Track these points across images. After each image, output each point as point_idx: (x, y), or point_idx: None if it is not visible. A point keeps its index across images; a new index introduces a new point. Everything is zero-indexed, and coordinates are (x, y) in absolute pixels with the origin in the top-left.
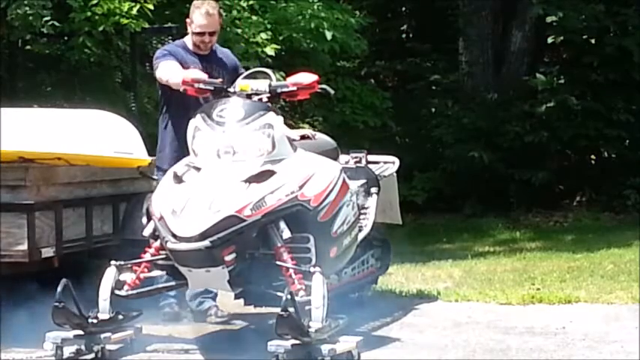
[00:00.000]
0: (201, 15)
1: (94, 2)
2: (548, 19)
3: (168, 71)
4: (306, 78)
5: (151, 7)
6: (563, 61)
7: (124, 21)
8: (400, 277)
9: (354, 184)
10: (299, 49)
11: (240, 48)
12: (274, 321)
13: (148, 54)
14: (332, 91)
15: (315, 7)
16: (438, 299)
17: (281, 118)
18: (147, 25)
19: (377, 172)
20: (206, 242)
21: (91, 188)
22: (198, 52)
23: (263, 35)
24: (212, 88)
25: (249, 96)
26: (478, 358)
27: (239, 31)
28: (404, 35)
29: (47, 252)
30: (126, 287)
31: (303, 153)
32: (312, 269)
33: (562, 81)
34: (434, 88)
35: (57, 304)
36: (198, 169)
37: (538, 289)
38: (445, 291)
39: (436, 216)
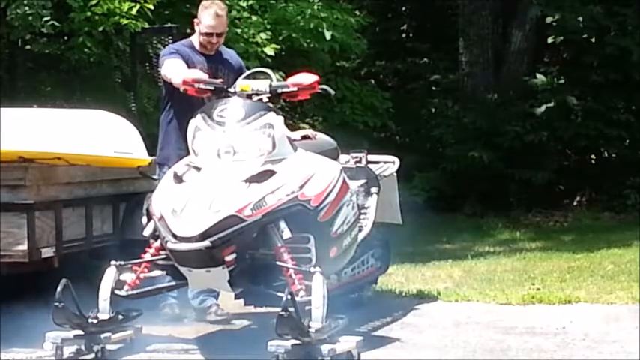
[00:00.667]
0: (210, 16)
1: (94, 2)
2: (548, 19)
3: (172, 70)
4: (306, 78)
5: (151, 7)
6: (563, 61)
7: (124, 21)
8: (400, 277)
9: (355, 184)
10: (299, 49)
11: (240, 48)
12: (274, 321)
13: (148, 54)
14: (332, 92)
15: (315, 7)
16: (438, 299)
17: (281, 118)
18: (147, 25)
19: (377, 172)
20: (206, 242)
21: (91, 188)
22: (204, 52)
23: (263, 35)
24: (212, 88)
25: (249, 96)
26: (478, 358)
27: (239, 31)
28: (404, 35)
29: (47, 252)
30: (126, 287)
31: (303, 153)
32: (312, 269)
33: (562, 81)
34: (434, 88)
35: (57, 304)
36: (198, 169)
37: (538, 289)
38: (445, 291)
39: (436, 216)
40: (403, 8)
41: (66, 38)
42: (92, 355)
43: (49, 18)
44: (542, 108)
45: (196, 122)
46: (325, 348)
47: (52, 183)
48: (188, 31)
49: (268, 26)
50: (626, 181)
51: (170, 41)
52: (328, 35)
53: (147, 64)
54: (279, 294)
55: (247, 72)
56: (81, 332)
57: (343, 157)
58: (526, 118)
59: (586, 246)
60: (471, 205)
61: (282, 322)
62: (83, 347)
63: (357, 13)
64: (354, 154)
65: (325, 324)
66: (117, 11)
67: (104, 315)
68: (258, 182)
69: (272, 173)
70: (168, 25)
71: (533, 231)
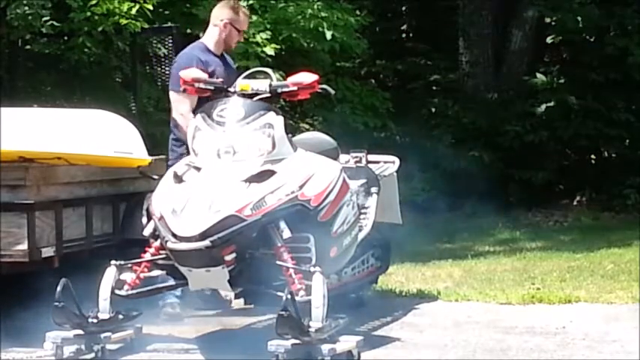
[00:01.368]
0: (245, 15)
1: (94, 2)
2: (548, 19)
3: (181, 111)
4: (306, 78)
5: (150, 7)
6: (563, 61)
7: (124, 21)
8: (400, 277)
9: (355, 184)
10: (299, 49)
11: (240, 47)
12: (274, 321)
13: (148, 54)
14: (332, 91)
15: (315, 6)
16: (438, 299)
17: (281, 118)
18: (146, 25)
19: (377, 172)
20: (206, 242)
21: (91, 188)
22: (215, 53)
23: (263, 35)
24: (212, 88)
25: (249, 96)
26: (478, 357)
27: None
28: (404, 35)
29: (47, 252)
30: (126, 287)
31: (303, 153)
32: (312, 269)
33: (562, 81)
34: (434, 88)
35: (57, 303)
36: (198, 168)
37: (538, 288)
38: (445, 291)
39: (436, 216)
40: (403, 8)
41: (66, 38)
42: (92, 355)
43: (48, 18)
44: (542, 108)
45: (196, 122)
46: (325, 348)
47: (52, 183)
48: (188, 31)
49: (268, 26)
50: (626, 181)
51: (170, 41)
52: (329, 35)
53: (147, 64)
54: (280, 294)
55: (247, 72)
56: (81, 332)
57: (343, 157)
58: (526, 117)
59: (586, 246)
60: (471, 205)
61: (282, 321)
62: (83, 347)
63: (357, 12)
64: (354, 154)
65: (325, 324)
66: (116, 11)
67: (104, 315)
68: (258, 182)
69: (272, 173)
70: (169, 25)
71: (533, 231)
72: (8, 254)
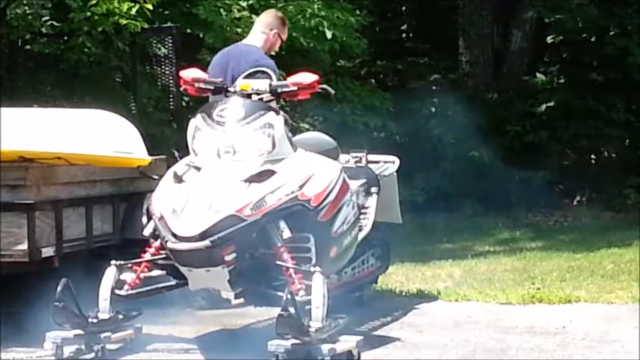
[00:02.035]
0: (286, 26)
1: (93, 2)
2: (547, 20)
3: None
4: (306, 78)
5: (150, 7)
6: (563, 60)
7: (124, 21)
8: (400, 276)
9: (355, 184)
10: (299, 49)
11: None
12: (274, 321)
13: (147, 54)
14: (332, 91)
15: (315, 6)
16: (438, 299)
17: (281, 118)
18: (146, 25)
19: (377, 172)
20: (206, 242)
21: (91, 188)
22: None
23: None
24: (212, 88)
25: (249, 95)
26: (478, 357)
27: (239, 30)
28: (404, 35)
29: (47, 252)
30: (126, 287)
31: (303, 153)
32: (312, 269)
33: (562, 81)
34: (434, 87)
35: (57, 303)
36: (198, 168)
37: (538, 288)
38: (445, 291)
39: (436, 216)
40: (403, 8)
41: (66, 38)
42: (92, 355)
43: (48, 18)
44: (542, 108)
45: (196, 122)
46: (325, 347)
47: (52, 183)
48: (188, 30)
49: None
50: (626, 181)
51: (170, 41)
52: (329, 34)
53: (147, 64)
54: (280, 294)
55: (247, 72)
56: (81, 332)
57: (343, 157)
58: (526, 117)
59: (586, 246)
60: (471, 204)
61: (282, 321)
62: (83, 347)
63: (357, 12)
64: (354, 154)
65: (325, 323)
66: (116, 11)
67: (104, 315)
68: (258, 182)
69: (272, 173)
70: (168, 25)
71: (533, 231)
72: (8, 254)
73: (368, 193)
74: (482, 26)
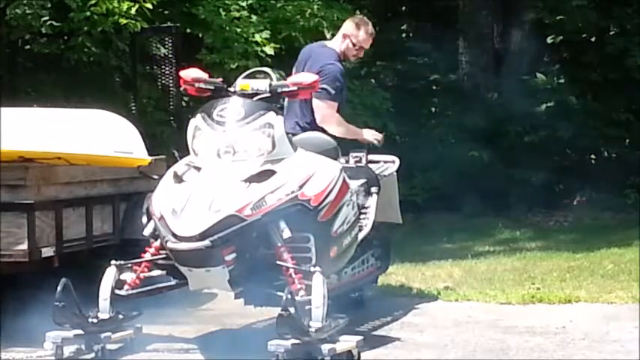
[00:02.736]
0: (367, 34)
1: (93, 2)
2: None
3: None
4: (306, 78)
5: (150, 6)
6: (563, 60)
7: (123, 21)
8: (400, 276)
9: (354, 184)
10: (298, 49)
11: (240, 47)
12: (274, 321)
13: (147, 54)
14: (332, 91)
15: (315, 6)
16: (438, 299)
17: (281, 118)
18: (146, 25)
19: (377, 172)
20: (206, 242)
21: (91, 188)
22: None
23: (262, 34)
24: (212, 88)
25: (249, 95)
26: (478, 357)
27: (238, 30)
28: (404, 35)
29: (47, 252)
30: (126, 287)
31: (303, 153)
32: (312, 269)
33: (562, 81)
34: (434, 87)
35: (57, 303)
36: (198, 168)
37: (538, 288)
38: (445, 291)
39: (436, 216)
40: (403, 8)
41: (65, 38)
42: (92, 355)
43: (48, 18)
44: (542, 108)
45: (196, 122)
46: (325, 347)
47: (52, 183)
48: (188, 30)
49: (268, 25)
50: (626, 181)
51: (170, 41)
52: (328, 35)
53: (147, 64)
54: (280, 294)
55: (247, 72)
56: (81, 332)
57: (343, 157)
58: (526, 117)
59: (586, 246)
60: (471, 205)
61: (282, 321)
62: (83, 347)
63: (357, 12)
64: (354, 154)
65: (325, 323)
66: (116, 11)
67: (104, 315)
68: (258, 182)
69: (272, 173)
70: (168, 25)
71: (533, 231)
72: (8, 254)
73: (368, 193)
74: (482, 26)
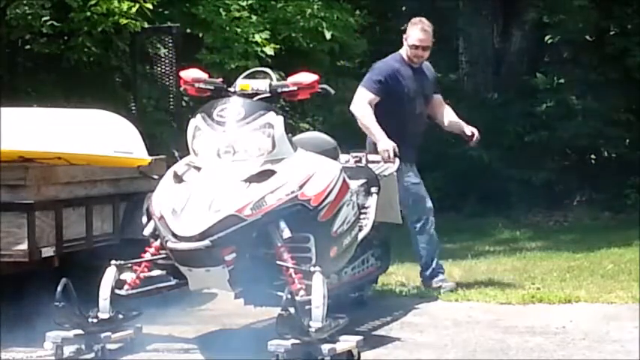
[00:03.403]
0: (419, 30)
1: (93, 2)
2: (547, 20)
3: (358, 101)
4: (306, 78)
5: (150, 6)
6: (563, 60)
7: (124, 21)
8: (400, 276)
9: (355, 184)
10: (298, 49)
11: (240, 47)
12: (274, 321)
13: (148, 54)
14: (332, 91)
15: (315, 6)
16: (438, 299)
17: (281, 118)
18: (146, 25)
19: (377, 172)
20: (206, 242)
21: (91, 188)
22: (411, 65)
23: (262, 35)
24: (212, 88)
25: (249, 95)
26: (478, 357)
27: (238, 30)
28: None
29: (47, 251)
30: (126, 287)
31: (303, 152)
32: (312, 269)
33: (562, 80)
34: None
35: (57, 303)
36: (198, 168)
37: (538, 288)
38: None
39: (436, 216)
40: (403, 8)
41: (66, 38)
42: (92, 355)
43: (48, 18)
44: (543, 108)
45: (196, 122)
46: (325, 347)
47: (52, 183)
48: (188, 30)
49: (268, 25)
50: (626, 181)
51: (170, 41)
52: (328, 35)
53: (147, 64)
54: (280, 293)
55: (247, 72)
56: (81, 332)
57: (343, 157)
58: (526, 117)
59: (586, 246)
60: (472, 204)
61: (282, 321)
62: (83, 347)
63: (357, 12)
64: (354, 154)
65: (325, 323)
66: (116, 11)
67: (104, 314)
68: (258, 182)
69: (272, 173)
70: (168, 24)
71: (533, 231)
72: (8, 254)
73: (368, 193)
74: (482, 26)
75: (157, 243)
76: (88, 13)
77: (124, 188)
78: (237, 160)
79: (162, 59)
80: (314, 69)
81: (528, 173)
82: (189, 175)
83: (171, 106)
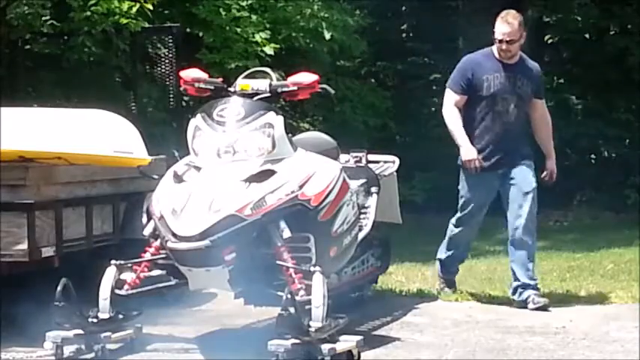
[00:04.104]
0: (502, 23)
1: (93, 2)
2: (547, 19)
3: (446, 106)
4: (306, 77)
5: (150, 6)
6: (563, 60)
7: (124, 20)
8: (400, 276)
9: (355, 184)
10: (298, 49)
11: (240, 47)
12: (274, 321)
13: (148, 53)
14: (332, 91)
15: (315, 6)
16: (438, 299)
17: (281, 118)
18: (146, 25)
19: (377, 172)
20: (206, 242)
21: (91, 187)
22: (503, 60)
23: (262, 34)
24: (212, 88)
25: (249, 95)
26: (478, 357)
27: (238, 30)
28: (404, 35)
29: (47, 251)
30: (126, 287)
31: (303, 152)
32: (312, 269)
33: (562, 80)
34: (434, 87)
35: (57, 303)
36: (198, 168)
37: (538, 288)
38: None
39: (436, 216)
40: (403, 8)
41: (66, 38)
42: (92, 355)
43: (48, 17)
44: None
45: (196, 122)
46: (325, 347)
47: (52, 182)
48: (188, 30)
49: (268, 25)
50: (626, 181)
51: (170, 41)
52: (327, 35)
53: (147, 64)
54: (280, 293)
55: (247, 71)
56: (81, 332)
57: (343, 157)
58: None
59: (586, 245)
60: None
61: (282, 321)
62: (83, 346)
63: (357, 12)
64: (354, 154)
65: (325, 323)
66: (116, 11)
67: (104, 314)
68: (258, 182)
69: (272, 173)
70: (169, 24)
71: None
72: (8, 254)
73: (368, 193)
74: (482, 26)
75: (157, 243)
76: (89, 13)
77: (124, 188)
78: (237, 160)
79: (163, 59)
80: (314, 69)
81: None
82: (189, 175)
83: (171, 106)
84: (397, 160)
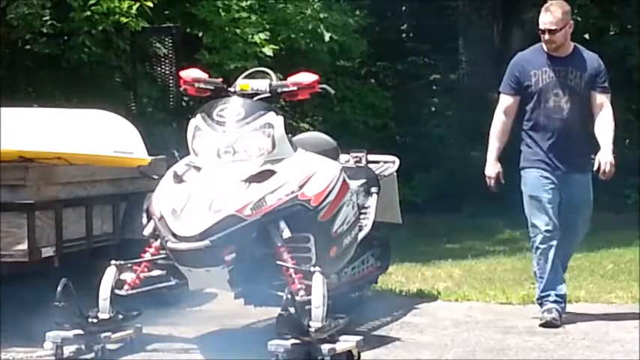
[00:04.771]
0: (544, 12)
1: (93, 1)
2: None
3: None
4: (306, 78)
5: (150, 5)
6: None
7: (124, 20)
8: (400, 276)
9: (354, 184)
10: (298, 49)
11: (239, 48)
12: (274, 321)
13: (147, 53)
14: (332, 91)
15: (315, 7)
16: (438, 299)
17: (281, 118)
18: (146, 25)
19: (377, 172)
20: (206, 242)
21: (91, 188)
22: (553, 54)
23: (262, 35)
24: (212, 88)
25: (249, 95)
26: (478, 357)
27: (238, 30)
28: (404, 35)
29: (47, 251)
30: (126, 287)
31: (303, 153)
32: (312, 269)
33: None
34: (434, 87)
35: (57, 303)
36: (198, 168)
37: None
38: (445, 291)
39: (436, 216)
40: (403, 8)
41: (66, 38)
42: (92, 355)
43: (48, 17)
44: None
45: (196, 122)
46: (325, 347)
47: (52, 183)
48: (188, 30)
49: (267, 26)
50: (626, 181)
51: (170, 41)
52: (327, 36)
53: (147, 64)
54: (280, 293)
55: (247, 72)
56: (81, 332)
57: (343, 157)
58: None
59: (586, 245)
60: (471, 205)
61: (282, 321)
62: (83, 347)
63: (357, 13)
64: (354, 154)
65: (325, 323)
66: (116, 10)
67: (104, 314)
68: (258, 182)
69: (272, 173)
70: (169, 24)
71: None
72: (8, 254)
73: (368, 193)
74: (482, 26)
75: (157, 243)
76: (89, 13)
77: (124, 188)
78: (237, 160)
79: (163, 59)
80: (314, 69)
81: None
82: (189, 175)
83: (171, 106)
84: (397, 161)
